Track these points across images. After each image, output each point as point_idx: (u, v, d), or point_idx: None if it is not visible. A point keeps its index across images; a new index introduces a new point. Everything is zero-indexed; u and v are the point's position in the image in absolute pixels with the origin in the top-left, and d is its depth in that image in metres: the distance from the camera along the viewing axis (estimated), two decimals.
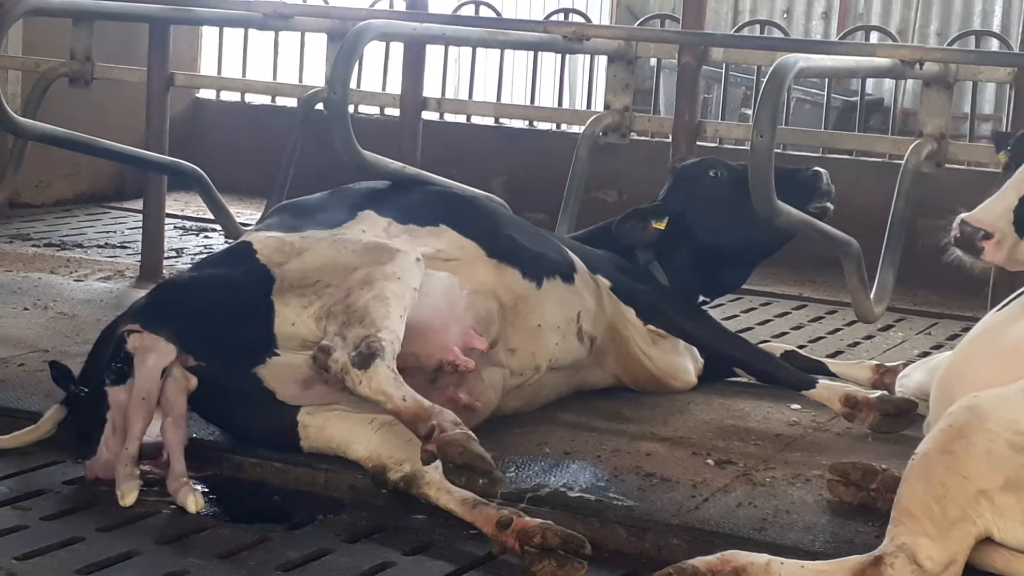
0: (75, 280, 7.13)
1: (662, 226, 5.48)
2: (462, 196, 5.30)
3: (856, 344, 6.71)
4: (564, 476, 4.44)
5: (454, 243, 4.92)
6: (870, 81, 13.14)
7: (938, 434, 3.63)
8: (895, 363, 5.63)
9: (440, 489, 4.10)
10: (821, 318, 7.31)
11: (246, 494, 4.42)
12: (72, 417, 4.52)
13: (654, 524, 4.12)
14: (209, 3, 7.31)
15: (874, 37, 11.24)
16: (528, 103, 10.31)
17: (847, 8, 17.25)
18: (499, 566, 3.92)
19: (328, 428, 4.43)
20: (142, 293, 5.20)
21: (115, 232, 8.85)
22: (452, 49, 11.36)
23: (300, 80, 10.16)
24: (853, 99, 12.24)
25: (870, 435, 5.02)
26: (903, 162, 6.06)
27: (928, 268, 7.96)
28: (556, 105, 10.52)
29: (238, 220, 7.18)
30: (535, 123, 10.04)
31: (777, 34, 9.92)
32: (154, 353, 4.34)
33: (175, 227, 8.83)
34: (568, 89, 13.58)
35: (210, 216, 7.76)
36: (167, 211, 7.88)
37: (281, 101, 10.36)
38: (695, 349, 5.52)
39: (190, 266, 5.09)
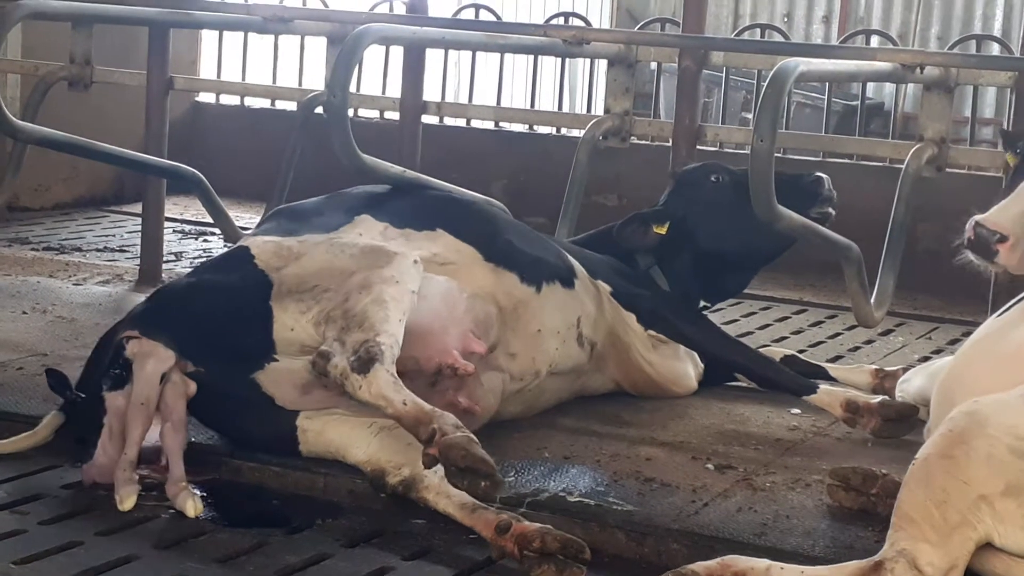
0: (74, 284, 7.13)
1: (663, 231, 5.48)
2: (459, 200, 5.29)
3: (856, 348, 6.70)
4: (564, 481, 4.43)
5: (450, 247, 4.91)
6: (871, 85, 13.15)
7: (939, 439, 3.62)
8: (895, 367, 5.63)
9: (439, 493, 4.10)
10: (821, 322, 7.30)
11: (245, 498, 4.42)
12: (70, 422, 4.51)
13: (654, 529, 4.11)
14: (209, 7, 7.31)
15: (875, 41, 11.25)
16: (528, 107, 10.31)
17: (848, 12, 17.26)
18: (499, 571, 3.91)
19: (327, 432, 4.42)
20: (141, 297, 5.20)
21: (114, 236, 8.85)
22: (452, 53, 11.36)
23: (300, 84, 10.17)
24: (854, 103, 12.24)
25: (870, 440, 5.02)
26: (904, 166, 6.06)
27: (929, 272, 8.00)
28: (556, 109, 10.52)
29: (237, 224, 7.18)
30: (535, 127, 10.03)
31: (777, 38, 9.91)
32: (153, 359, 4.34)
33: (174, 231, 8.82)
34: (568, 93, 13.60)
35: (209, 220, 7.76)
36: (166, 215, 7.87)
37: (281, 105, 10.35)
38: (695, 354, 5.52)
39: (188, 271, 5.08)
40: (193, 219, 9.29)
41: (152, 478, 4.34)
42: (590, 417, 5.15)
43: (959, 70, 6.21)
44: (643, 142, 8.82)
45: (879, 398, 5.11)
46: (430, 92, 7.80)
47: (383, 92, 10.15)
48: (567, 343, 5.09)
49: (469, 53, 10.69)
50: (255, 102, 10.74)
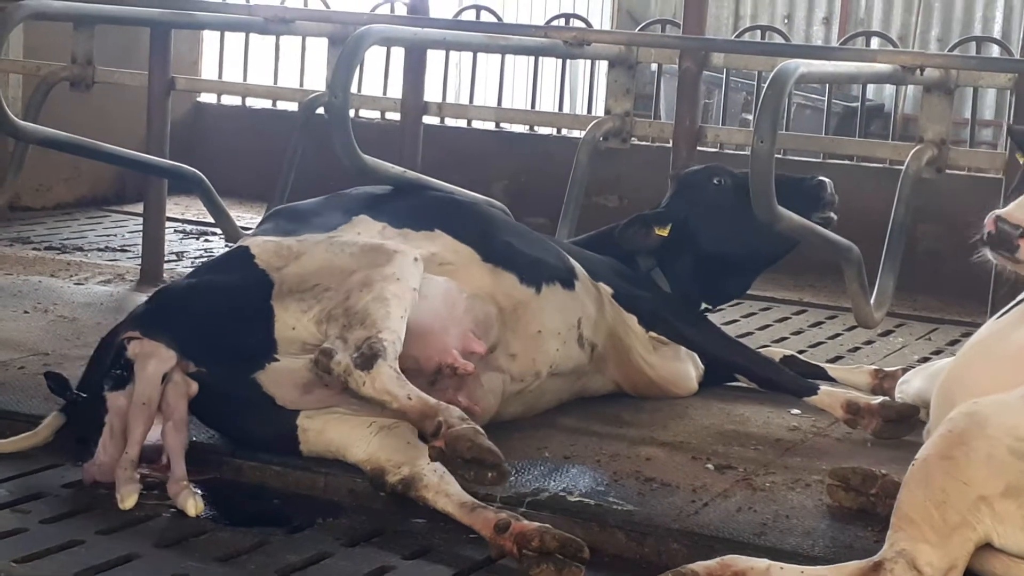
0: (75, 284, 7.14)
1: (665, 233, 5.48)
2: (457, 201, 5.29)
3: (856, 349, 6.71)
4: (564, 480, 4.44)
5: (448, 247, 4.92)
6: (871, 87, 13.15)
7: (938, 440, 3.62)
8: (894, 368, 5.63)
9: (438, 492, 4.11)
10: (821, 323, 7.31)
11: (246, 498, 4.42)
12: (71, 422, 4.52)
13: (654, 529, 4.12)
14: (210, 7, 7.32)
15: (875, 43, 11.26)
16: (529, 108, 10.31)
17: (848, 14, 17.27)
18: (499, 570, 3.92)
19: (327, 431, 4.43)
20: (142, 297, 5.21)
21: (115, 236, 8.85)
22: (453, 54, 11.36)
23: (301, 84, 10.18)
24: (854, 104, 12.25)
25: (870, 440, 5.03)
26: (904, 168, 6.06)
27: (928, 273, 8.02)
28: (557, 110, 10.54)
29: (238, 224, 7.18)
30: (536, 128, 10.04)
31: (778, 39, 9.92)
32: (154, 359, 4.35)
33: (175, 231, 8.83)
34: (569, 94, 13.61)
35: (211, 220, 7.77)
36: (168, 215, 7.88)
37: (282, 105, 10.36)
38: (696, 355, 5.52)
39: (188, 272, 5.09)
40: (194, 219, 9.30)
41: (153, 477, 4.34)
42: (590, 417, 5.16)
43: (959, 72, 6.21)
44: (644, 143, 8.82)
45: (880, 399, 5.11)
46: (431, 93, 7.81)
47: (384, 93, 10.16)
48: (567, 344, 5.09)
49: (470, 54, 10.70)
50: (256, 103, 10.75)
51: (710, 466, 4.67)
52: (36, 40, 8.80)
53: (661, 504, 4.29)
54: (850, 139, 9.20)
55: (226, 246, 7.44)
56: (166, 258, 7.65)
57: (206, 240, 8.75)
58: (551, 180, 8.06)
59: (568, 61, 10.22)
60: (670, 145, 6.71)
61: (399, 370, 4.19)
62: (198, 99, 10.86)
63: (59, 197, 9.76)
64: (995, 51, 10.52)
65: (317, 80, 9.43)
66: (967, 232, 4.29)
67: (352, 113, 6.93)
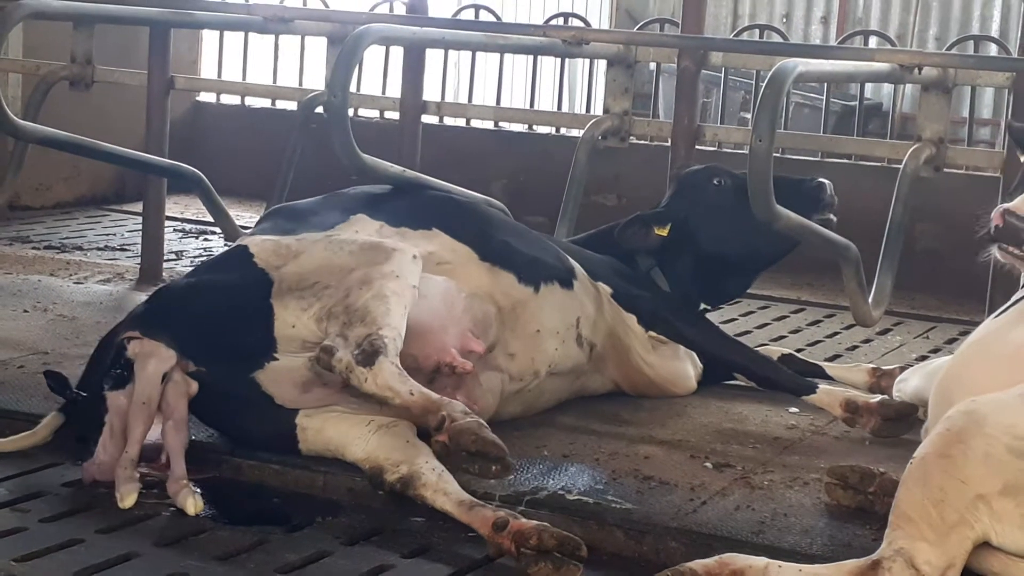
0: (75, 283, 7.14)
1: (665, 233, 5.48)
2: (455, 200, 5.30)
3: (854, 348, 6.71)
4: (562, 479, 4.45)
5: (446, 246, 4.92)
6: (869, 85, 13.16)
7: (936, 438, 3.63)
8: (892, 366, 5.64)
9: (436, 491, 4.11)
10: (819, 322, 7.31)
11: (245, 496, 4.42)
12: (71, 421, 4.52)
13: (652, 527, 4.12)
14: (209, 7, 7.32)
15: (873, 42, 11.26)
16: (528, 107, 10.31)
17: (846, 12, 17.27)
18: (497, 569, 3.92)
19: (326, 430, 4.44)
20: (142, 296, 5.22)
21: (115, 235, 8.86)
22: (452, 53, 11.37)
23: (300, 84, 10.18)
24: (852, 103, 12.26)
25: (868, 438, 5.03)
26: (902, 166, 6.07)
27: (926, 272, 8.02)
28: (555, 109, 10.53)
29: (238, 223, 7.19)
30: (535, 127, 10.04)
31: (776, 38, 9.93)
32: (154, 359, 4.35)
33: (175, 230, 8.83)
34: (567, 93, 13.61)
35: (210, 219, 7.77)
36: (167, 214, 7.89)
37: (281, 104, 10.36)
38: (695, 354, 5.53)
39: (188, 271, 5.10)
40: (194, 218, 9.30)
41: (152, 476, 4.35)
42: (589, 415, 5.17)
43: (957, 71, 6.22)
44: (642, 142, 8.83)
45: (878, 397, 5.12)
46: (430, 92, 7.81)
47: (383, 92, 10.17)
48: (566, 344, 5.10)
49: (469, 53, 10.70)
50: (255, 102, 10.75)
51: (708, 464, 4.68)
52: (36, 39, 8.80)
53: (659, 502, 4.29)
54: (848, 138, 9.20)
55: (225, 245, 7.45)
56: (165, 257, 7.66)
57: (205, 239, 8.75)
58: (550, 179, 8.07)
59: (567, 60, 10.21)
60: (669, 144, 6.71)
61: (400, 366, 4.20)
62: (197, 98, 10.86)
63: (59, 196, 9.76)
64: (993, 50, 10.53)
65: (316, 79, 9.43)
66: (971, 229, 4.26)
67: (351, 112, 6.94)
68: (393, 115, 8.08)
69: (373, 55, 9.08)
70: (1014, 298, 4.31)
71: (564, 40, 6.52)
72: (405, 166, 5.73)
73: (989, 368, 4.01)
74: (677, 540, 4.07)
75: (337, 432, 4.42)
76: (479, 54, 10.53)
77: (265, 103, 10.72)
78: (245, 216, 8.91)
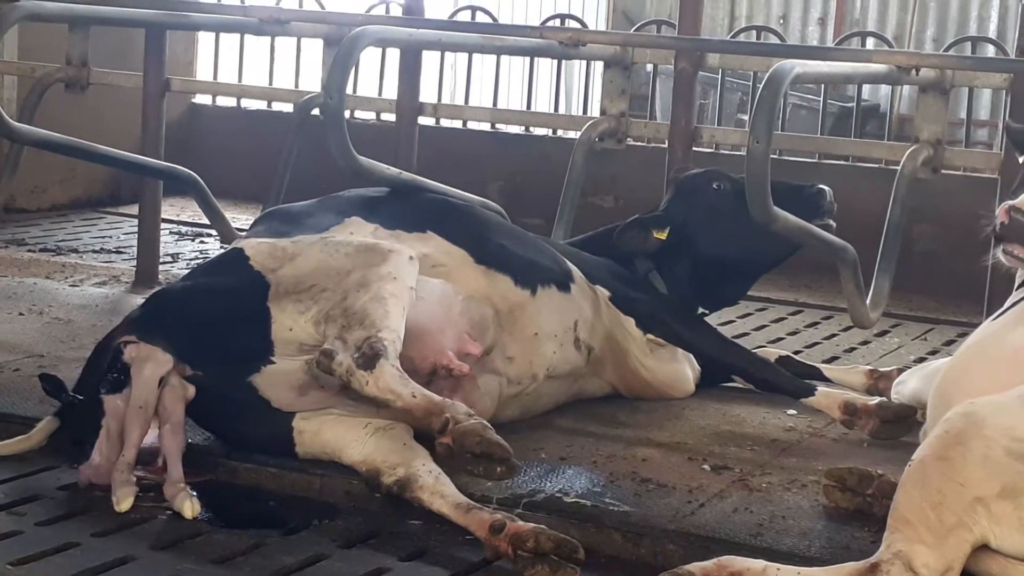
0: (70, 285, 7.13)
1: (663, 236, 5.47)
2: (450, 203, 5.29)
3: (852, 350, 6.71)
4: (560, 481, 4.44)
5: (441, 249, 4.91)
6: (866, 87, 13.14)
7: (935, 440, 3.62)
8: (890, 368, 5.63)
9: (433, 493, 4.10)
10: (817, 323, 7.31)
11: (242, 500, 4.42)
12: (67, 424, 4.51)
13: (650, 530, 4.12)
14: (205, 8, 7.31)
15: (870, 43, 11.26)
16: (524, 108, 10.32)
17: (843, 14, 17.27)
18: (495, 572, 3.91)
19: (323, 433, 4.43)
20: (138, 298, 5.21)
21: (111, 237, 8.85)
22: (448, 55, 11.34)
23: (296, 85, 10.15)
24: (849, 105, 12.25)
25: (866, 441, 5.03)
26: (899, 168, 6.06)
27: (924, 274, 8.02)
28: (552, 110, 10.53)
29: (234, 225, 7.18)
30: (531, 128, 10.03)
31: (773, 40, 9.92)
32: (151, 363, 4.35)
33: (171, 232, 8.82)
34: (564, 94, 13.58)
35: (206, 221, 7.76)
36: (163, 216, 7.86)
37: (277, 106, 10.36)
38: (692, 356, 5.52)
39: (184, 275, 5.09)
40: (189, 220, 9.30)
41: (149, 479, 4.34)
42: (587, 418, 5.16)
43: (954, 72, 6.22)
44: (639, 144, 8.82)
45: (877, 399, 5.11)
46: (426, 94, 7.80)
47: (379, 94, 10.14)
48: (564, 347, 5.09)
49: (465, 55, 10.68)
50: (251, 104, 10.74)
51: (706, 467, 4.67)
52: (31, 42, 8.79)
53: (657, 505, 4.29)
54: (846, 139, 9.20)
55: (221, 247, 7.44)
56: (161, 260, 7.64)
57: (201, 241, 8.74)
58: (547, 181, 8.06)
59: (564, 62, 10.19)
60: (666, 146, 6.70)
61: (401, 368, 4.19)
62: (193, 100, 10.86)
63: (54, 199, 9.75)
64: (990, 51, 10.52)
65: (312, 81, 9.40)
66: (969, 230, 4.24)
67: (347, 114, 6.93)
68: (389, 117, 8.07)
69: (369, 57, 9.08)
70: (1011, 300, 4.31)
71: (561, 42, 6.51)
72: (401, 168, 5.73)
73: (987, 370, 4.00)
74: (675, 542, 4.07)
75: (334, 435, 4.41)
76: (475, 56, 10.51)
77: (261, 105, 10.71)
78: (241, 218, 8.90)
